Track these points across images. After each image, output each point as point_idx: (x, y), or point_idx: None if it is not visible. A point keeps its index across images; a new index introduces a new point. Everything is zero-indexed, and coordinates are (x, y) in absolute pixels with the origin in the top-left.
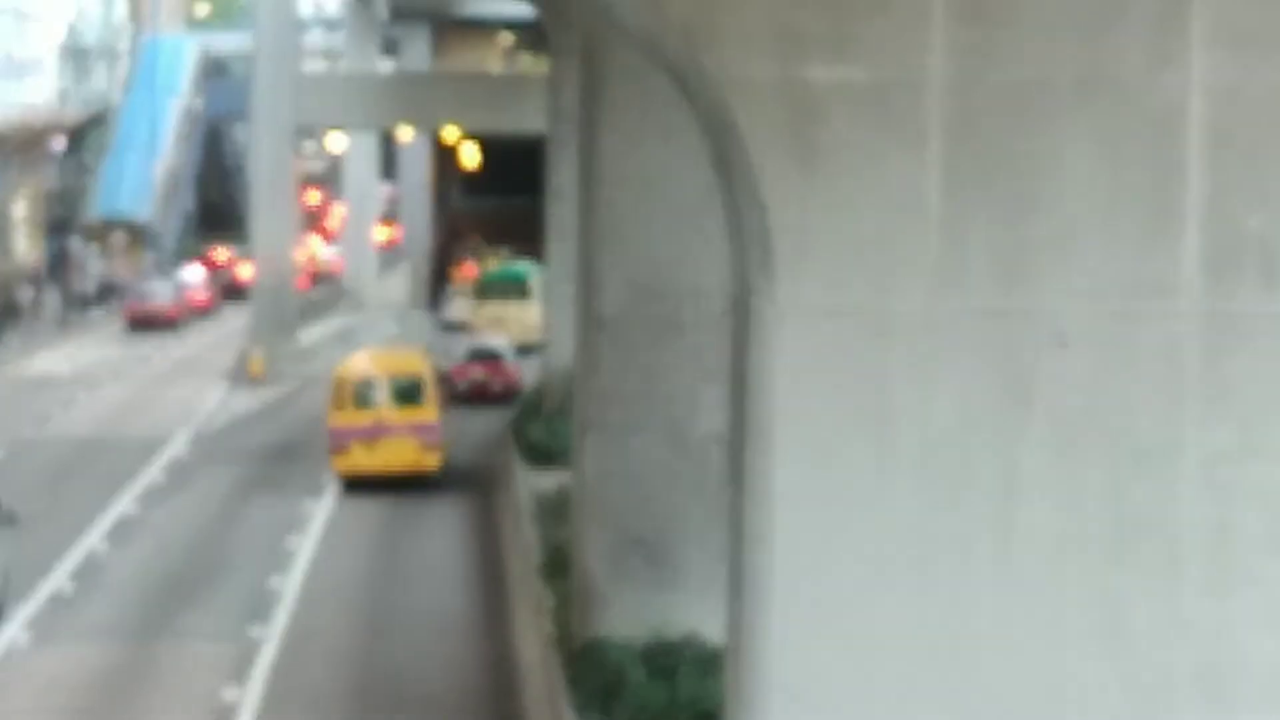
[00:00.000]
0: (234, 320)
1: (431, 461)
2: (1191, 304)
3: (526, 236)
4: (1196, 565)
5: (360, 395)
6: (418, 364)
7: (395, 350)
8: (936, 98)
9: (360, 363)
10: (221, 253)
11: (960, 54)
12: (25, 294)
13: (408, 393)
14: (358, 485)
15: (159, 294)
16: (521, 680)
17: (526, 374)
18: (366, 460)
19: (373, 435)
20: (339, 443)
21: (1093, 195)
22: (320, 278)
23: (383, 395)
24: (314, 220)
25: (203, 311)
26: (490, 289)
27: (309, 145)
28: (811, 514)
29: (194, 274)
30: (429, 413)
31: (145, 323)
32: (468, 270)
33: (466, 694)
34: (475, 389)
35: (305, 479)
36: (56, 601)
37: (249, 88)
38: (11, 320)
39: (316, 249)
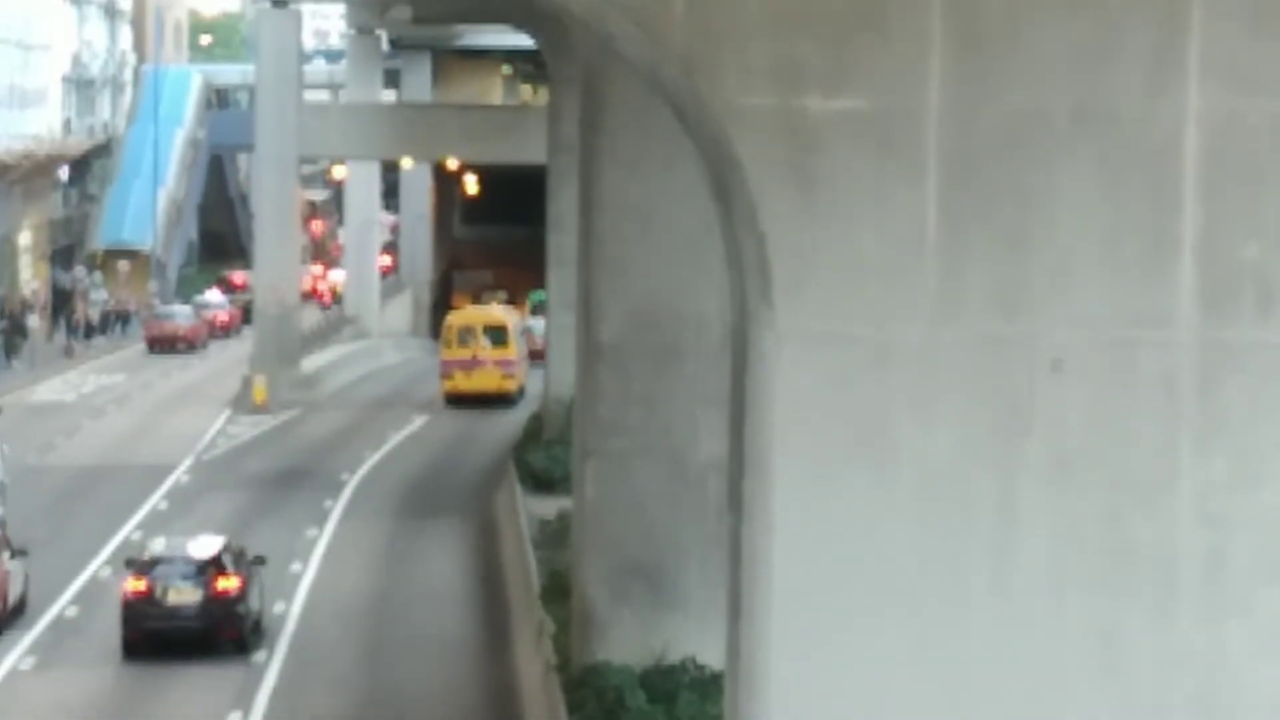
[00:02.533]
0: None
1: (511, 386)
2: (1188, 334)
3: (527, 265)
4: (1192, 593)
5: (462, 338)
6: (503, 318)
7: (488, 307)
8: (934, 128)
9: (462, 315)
10: (239, 275)
11: (958, 85)
12: (31, 322)
13: (496, 337)
14: (457, 401)
15: (178, 316)
16: (522, 704)
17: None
18: (465, 383)
19: (470, 366)
20: (447, 371)
21: (1089, 225)
22: (337, 299)
23: (478, 338)
24: (319, 249)
25: (225, 331)
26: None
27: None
28: (810, 540)
29: (216, 296)
30: (510, 352)
31: (165, 344)
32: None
33: (467, 718)
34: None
35: (308, 507)
36: (60, 626)
37: (252, 118)
38: (18, 348)
39: (332, 275)
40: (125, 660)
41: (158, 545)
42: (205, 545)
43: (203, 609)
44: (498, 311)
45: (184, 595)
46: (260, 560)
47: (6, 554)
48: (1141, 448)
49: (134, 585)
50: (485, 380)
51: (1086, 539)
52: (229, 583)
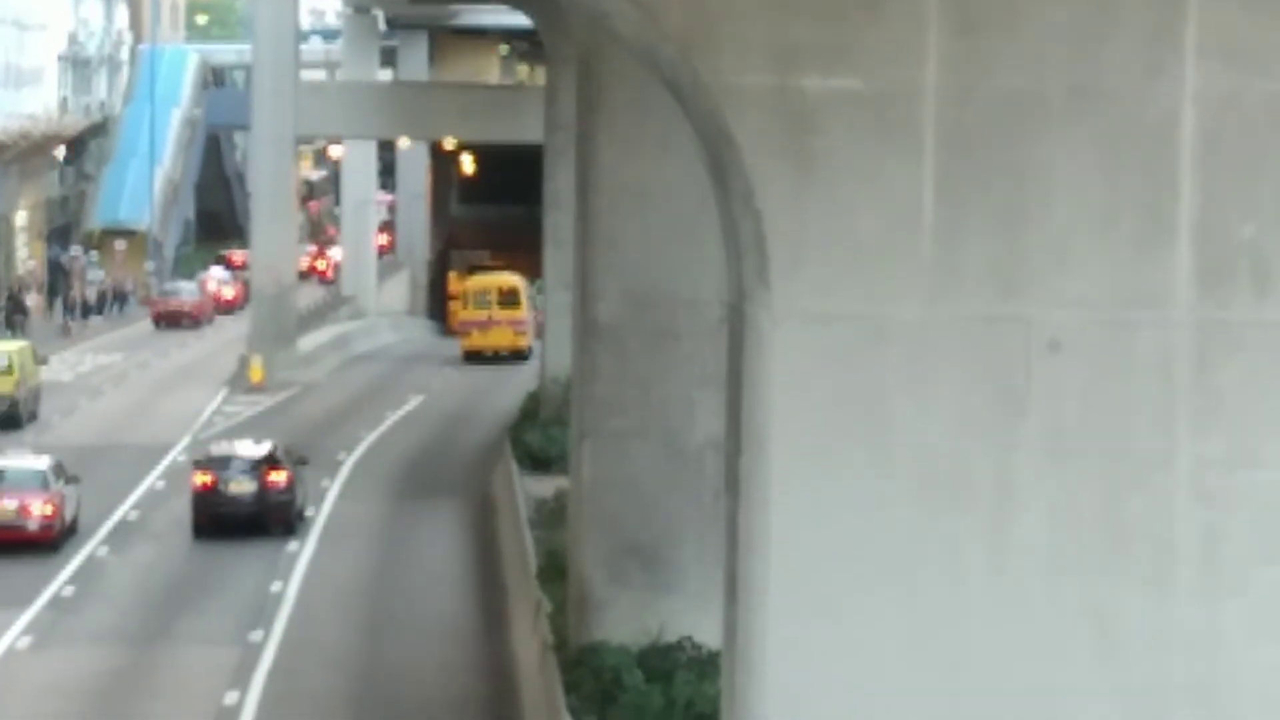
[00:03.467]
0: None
1: (522, 343)
2: (1184, 313)
3: (524, 245)
4: (1189, 573)
5: (478, 300)
6: (515, 282)
7: (501, 273)
8: (931, 107)
9: (478, 280)
10: (239, 254)
11: (955, 64)
12: (31, 300)
13: (508, 299)
14: (474, 358)
15: (184, 292)
16: (519, 684)
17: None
18: (482, 341)
19: (485, 325)
20: (465, 329)
21: (1086, 204)
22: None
23: (491, 300)
24: (316, 228)
25: (229, 308)
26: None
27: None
28: (807, 520)
29: (220, 273)
30: (521, 312)
31: (171, 320)
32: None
33: (464, 698)
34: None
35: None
36: (57, 605)
37: (248, 97)
38: (19, 326)
39: (332, 253)
40: (195, 540)
41: (219, 447)
42: (258, 447)
43: (257, 498)
44: (510, 276)
45: (242, 487)
46: (304, 461)
47: (62, 480)
48: (1138, 427)
49: (201, 479)
50: (499, 338)
51: (1083, 519)
52: (279, 477)
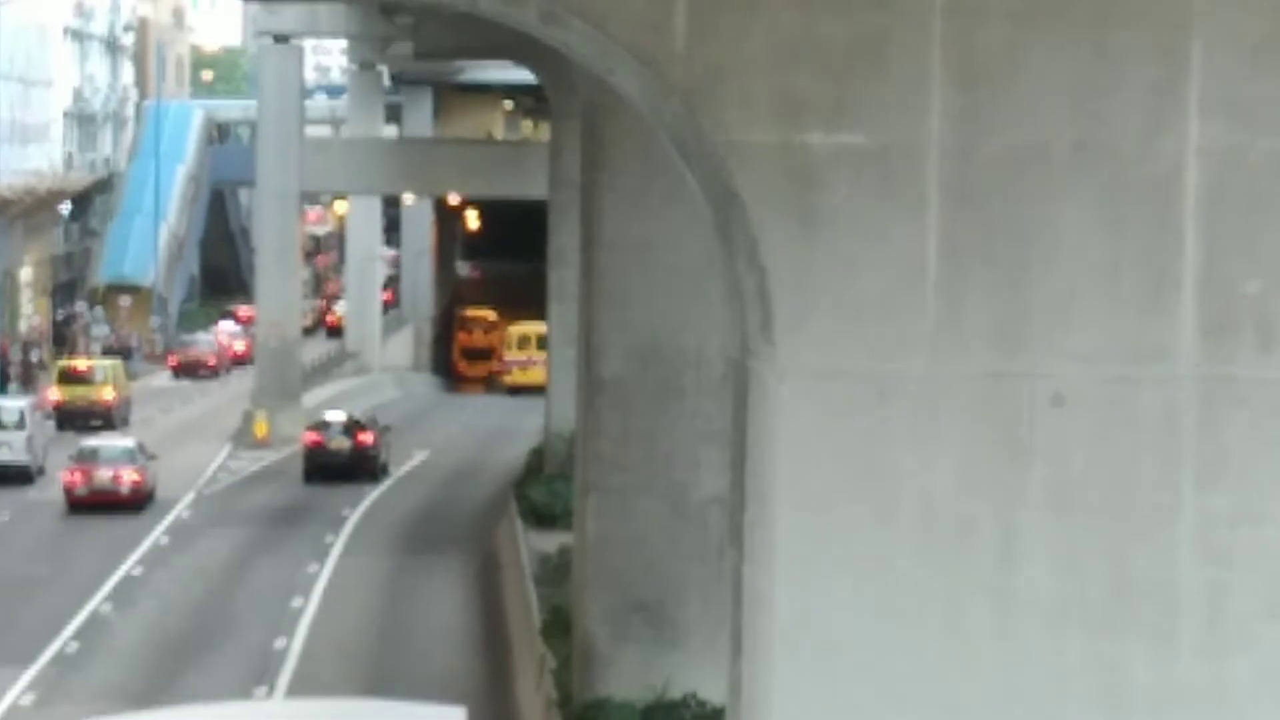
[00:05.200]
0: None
1: None
2: (1189, 368)
3: (528, 301)
4: (1193, 628)
5: (520, 344)
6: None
7: (539, 322)
8: (935, 163)
9: (519, 328)
10: (244, 310)
11: (959, 120)
12: (33, 356)
13: (543, 343)
14: (516, 391)
15: (201, 344)
16: None
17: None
18: (522, 377)
19: (525, 365)
20: (507, 368)
21: (1090, 260)
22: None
23: (531, 344)
24: (320, 283)
25: (240, 361)
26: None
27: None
28: (812, 576)
29: (231, 326)
30: None
31: (190, 370)
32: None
33: None
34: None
35: (309, 542)
36: (61, 662)
37: (253, 153)
38: (35, 383)
39: (339, 306)
40: (305, 483)
41: (325, 415)
42: (353, 415)
43: (351, 453)
44: (543, 325)
45: (340, 444)
46: (388, 428)
47: (145, 457)
48: (1142, 482)
49: (311, 437)
50: (537, 374)
51: (1088, 574)
52: (367, 437)
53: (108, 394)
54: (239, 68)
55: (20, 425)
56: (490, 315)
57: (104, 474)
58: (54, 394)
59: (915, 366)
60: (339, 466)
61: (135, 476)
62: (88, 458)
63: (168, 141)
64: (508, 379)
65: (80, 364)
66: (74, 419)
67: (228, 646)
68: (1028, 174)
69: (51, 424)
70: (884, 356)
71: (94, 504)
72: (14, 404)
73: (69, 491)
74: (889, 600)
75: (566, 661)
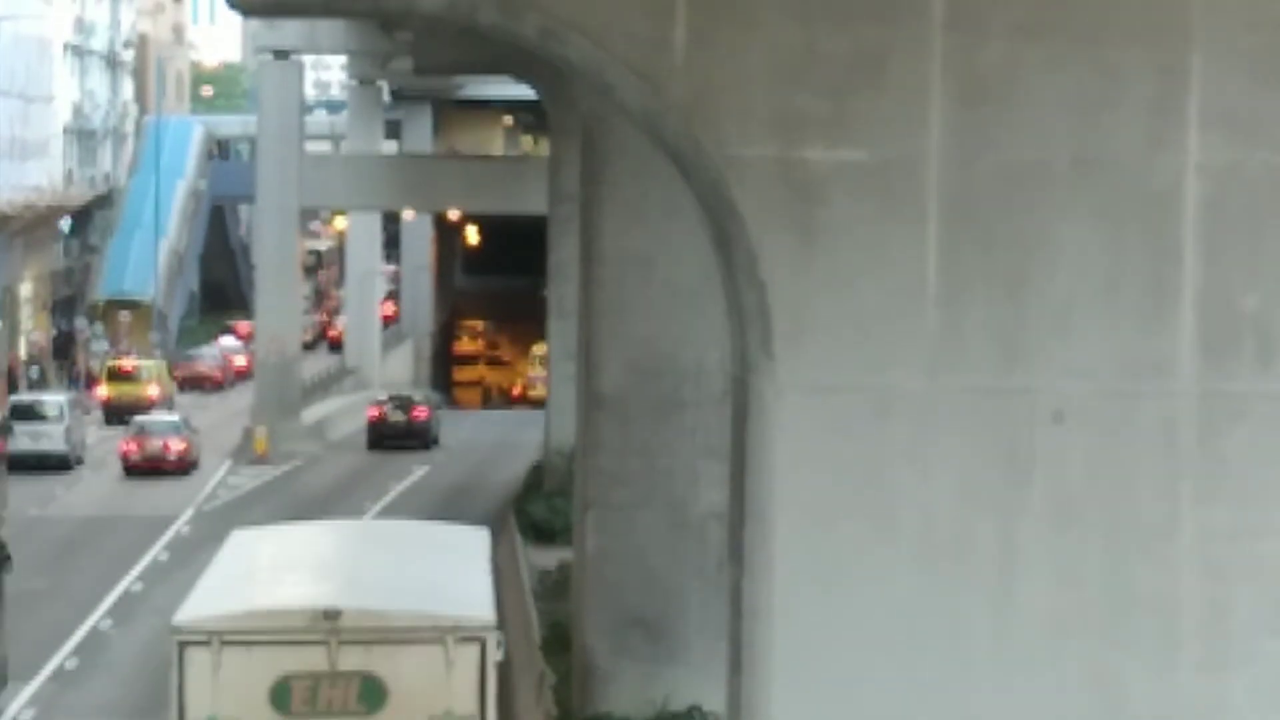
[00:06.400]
0: None
1: None
2: (1188, 383)
3: (528, 316)
4: (1193, 643)
5: (542, 363)
6: None
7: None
8: (935, 178)
9: (541, 347)
10: (244, 325)
11: (958, 134)
12: (33, 373)
13: None
14: (540, 404)
15: (206, 358)
16: None
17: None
18: (545, 391)
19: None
20: (533, 383)
21: (1089, 274)
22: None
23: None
24: (321, 298)
25: (241, 376)
26: None
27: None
28: (811, 590)
29: (232, 342)
30: None
31: (194, 383)
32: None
33: None
34: None
35: None
36: (60, 679)
37: (253, 169)
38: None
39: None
40: (370, 450)
41: (382, 394)
42: (408, 393)
43: (407, 425)
44: None
45: (398, 417)
46: (440, 405)
47: (189, 430)
48: (1142, 497)
49: (374, 412)
50: None
51: (1087, 588)
52: (421, 413)
53: (152, 391)
54: (239, 83)
55: (60, 418)
56: (479, 324)
57: (154, 444)
58: (103, 391)
59: (915, 381)
60: (397, 436)
61: (181, 445)
62: (141, 431)
63: (168, 157)
64: (533, 393)
65: (127, 364)
66: (121, 413)
67: None
68: (1027, 189)
69: (90, 417)
70: (884, 371)
71: (147, 469)
72: (55, 399)
73: (125, 459)
74: (888, 615)
75: (566, 677)
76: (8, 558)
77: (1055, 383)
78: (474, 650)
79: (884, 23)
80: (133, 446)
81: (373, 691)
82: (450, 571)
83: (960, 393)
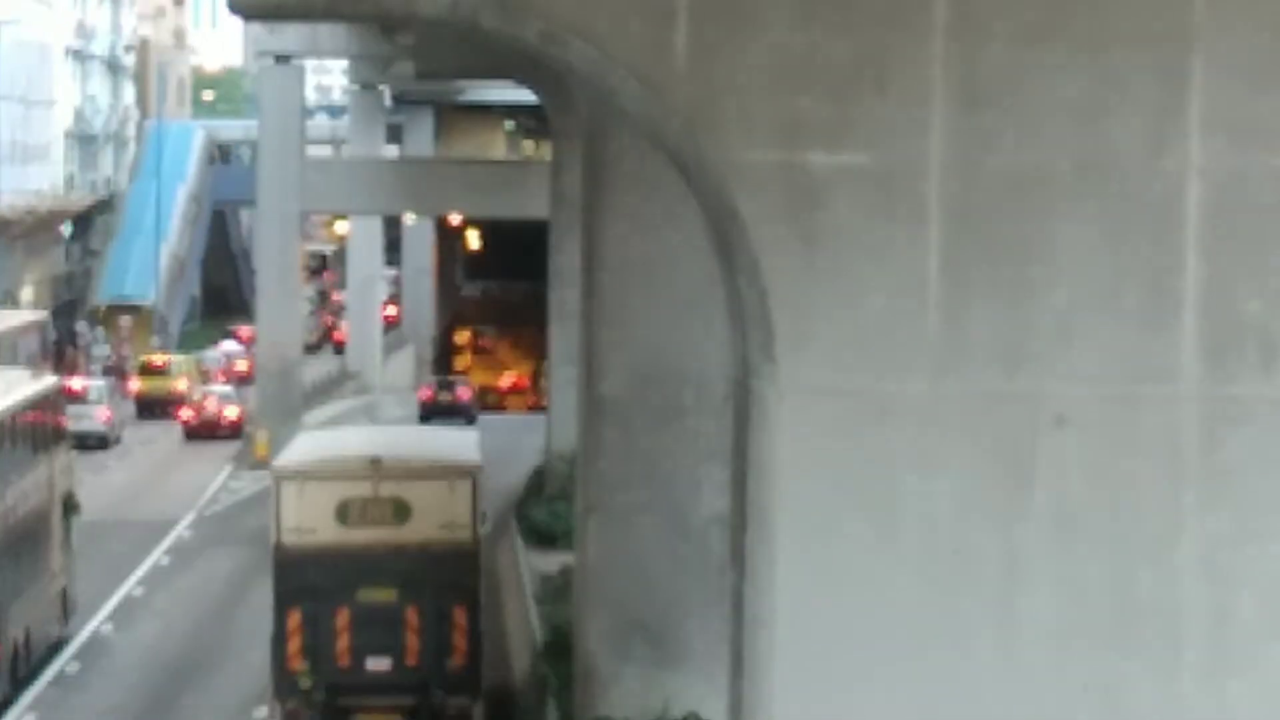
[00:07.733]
0: None
1: None
2: (1191, 388)
3: (529, 320)
4: (1197, 650)
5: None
6: None
7: None
8: (936, 182)
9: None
10: (245, 330)
11: (960, 139)
12: None
13: None
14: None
15: (209, 361)
16: None
17: None
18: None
19: None
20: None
21: (1092, 279)
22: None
23: None
24: (325, 299)
25: (244, 380)
26: None
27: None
28: (813, 596)
29: (234, 346)
30: None
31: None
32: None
33: None
34: None
35: None
36: (61, 684)
37: (254, 173)
38: None
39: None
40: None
41: (432, 380)
42: (453, 377)
43: (453, 403)
44: None
45: (446, 397)
46: (479, 389)
47: (239, 396)
48: (1145, 503)
49: (425, 394)
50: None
51: (1090, 594)
52: (464, 393)
53: (182, 385)
54: (240, 88)
55: (100, 401)
56: (468, 331)
57: (210, 411)
58: (135, 385)
59: (917, 386)
60: (445, 411)
61: (233, 413)
62: (198, 399)
63: (169, 161)
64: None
65: (158, 359)
66: (152, 407)
67: (228, 665)
68: (1029, 193)
69: (129, 406)
70: (885, 375)
71: (203, 433)
72: (98, 383)
73: (185, 425)
74: (890, 621)
75: (568, 682)
76: (77, 505)
77: (1057, 388)
78: (468, 483)
79: (886, 27)
80: (191, 413)
81: (401, 510)
82: (450, 440)
83: (962, 397)
